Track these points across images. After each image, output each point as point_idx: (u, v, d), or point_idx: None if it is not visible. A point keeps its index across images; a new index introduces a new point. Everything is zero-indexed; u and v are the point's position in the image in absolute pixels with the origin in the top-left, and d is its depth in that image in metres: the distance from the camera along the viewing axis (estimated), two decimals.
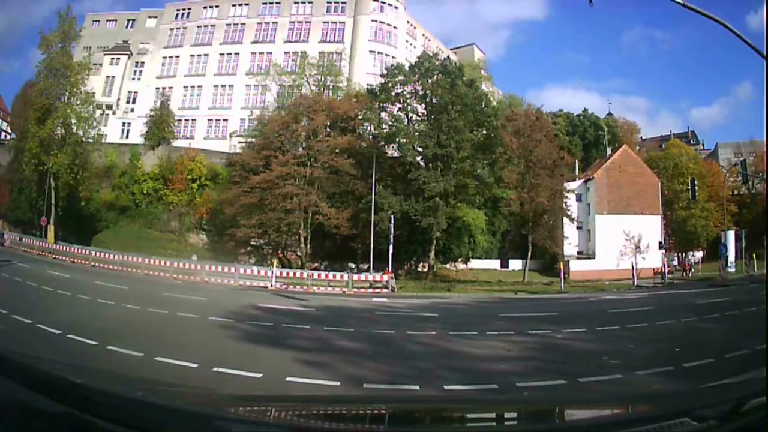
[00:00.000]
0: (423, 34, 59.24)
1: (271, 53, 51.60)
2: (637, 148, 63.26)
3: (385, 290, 26.17)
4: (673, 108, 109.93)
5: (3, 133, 69.37)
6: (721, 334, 11.45)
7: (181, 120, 51.68)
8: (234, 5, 55.47)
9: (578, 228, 47.71)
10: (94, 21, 57.63)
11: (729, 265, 37.54)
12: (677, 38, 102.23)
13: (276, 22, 54.11)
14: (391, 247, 30.08)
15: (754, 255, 38.48)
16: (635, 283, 33.05)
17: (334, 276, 27.52)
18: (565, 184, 42.21)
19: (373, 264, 31.21)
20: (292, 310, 15.48)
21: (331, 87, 43.24)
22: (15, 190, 44.51)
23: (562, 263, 35.67)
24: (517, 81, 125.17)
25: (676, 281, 36.28)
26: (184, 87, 53.87)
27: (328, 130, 37.81)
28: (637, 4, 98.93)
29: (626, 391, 6.60)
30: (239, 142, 46.24)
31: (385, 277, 27.20)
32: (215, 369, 7.01)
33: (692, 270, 42.96)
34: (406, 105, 36.03)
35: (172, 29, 56.04)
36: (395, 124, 35.49)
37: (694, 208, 47.11)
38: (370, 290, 26.29)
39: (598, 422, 2.05)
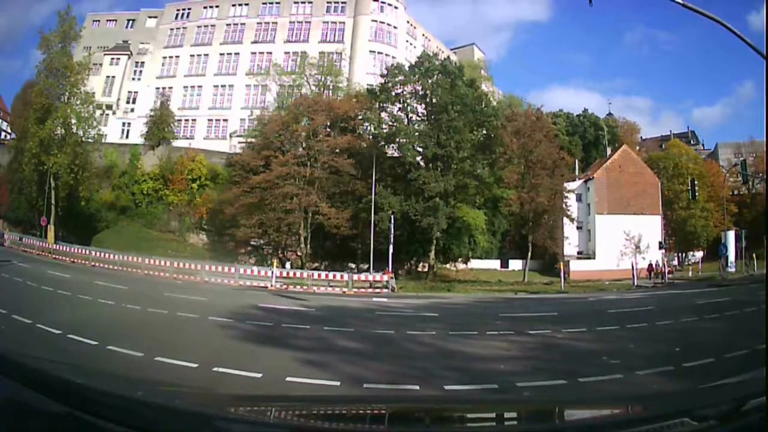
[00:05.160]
0: (423, 35, 59.24)
1: (271, 53, 51.59)
2: (637, 148, 63.24)
3: (385, 290, 26.17)
4: (675, 108, 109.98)
5: (3, 133, 69.32)
6: (721, 334, 11.43)
7: (181, 120, 51.67)
8: (234, 5, 55.46)
9: (578, 228, 47.73)
10: (94, 21, 57.62)
11: (729, 265, 37.53)
12: (679, 38, 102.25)
13: (276, 22, 54.12)
14: (391, 247, 30.08)
15: (754, 255, 38.45)
16: (635, 283, 33.06)
17: (334, 276, 27.51)
18: (565, 184, 42.21)
19: (373, 264, 31.20)
20: (292, 310, 15.48)
21: (331, 87, 43.22)
22: (15, 190, 44.47)
23: (562, 263, 35.67)
24: (520, 82, 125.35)
25: (677, 281, 36.30)
26: (184, 87, 53.88)
27: (328, 130, 37.81)
28: (639, 5, 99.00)
29: (626, 391, 6.60)
30: (239, 142, 46.23)
31: (385, 277, 27.21)
32: (215, 369, 7.00)
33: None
34: (406, 105, 36.04)
35: (172, 29, 56.04)
36: (395, 124, 35.50)
37: (694, 208, 47.13)
38: (370, 290, 26.29)
39: (598, 422, 2.05)
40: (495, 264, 46.54)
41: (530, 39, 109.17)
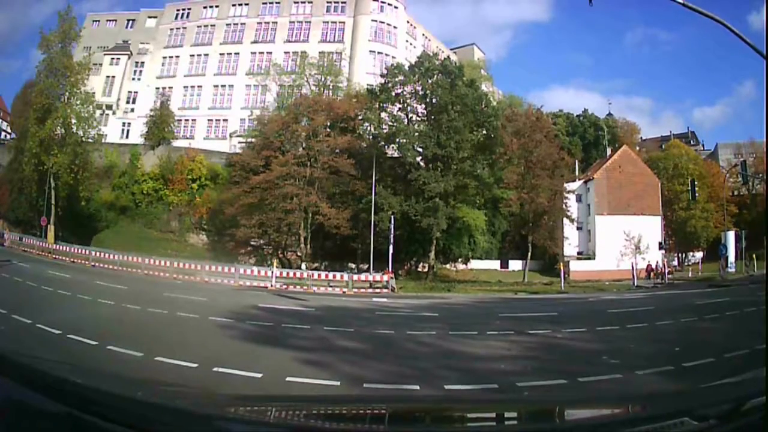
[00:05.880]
0: (423, 34, 59.27)
1: (271, 53, 51.63)
2: (637, 148, 63.24)
3: (385, 290, 26.15)
4: (675, 108, 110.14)
5: (3, 133, 69.33)
6: (721, 334, 11.44)
7: (181, 120, 51.71)
8: (234, 5, 55.51)
9: (578, 228, 47.74)
10: (94, 21, 57.68)
11: (729, 265, 37.57)
12: (679, 38, 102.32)
13: (276, 22, 54.15)
14: (391, 247, 30.05)
15: (754, 255, 38.48)
16: (635, 284, 33.08)
17: (334, 276, 27.49)
18: (565, 185, 42.23)
19: (373, 264, 31.18)
20: (292, 310, 15.47)
21: (331, 87, 43.22)
22: (15, 190, 44.42)
23: (562, 263, 35.67)
24: (520, 82, 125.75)
25: (677, 281, 36.30)
26: (184, 87, 53.92)
27: (328, 130, 37.78)
28: (639, 5, 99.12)
29: (626, 391, 6.60)
30: (239, 142, 46.26)
31: (385, 278, 27.19)
32: (215, 369, 7.00)
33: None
34: (406, 105, 36.01)
35: (172, 29, 56.08)
36: (395, 124, 35.46)
37: (694, 208, 47.15)
38: (370, 290, 26.27)
39: (598, 422, 2.05)
40: (495, 264, 46.57)
41: (530, 39, 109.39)
